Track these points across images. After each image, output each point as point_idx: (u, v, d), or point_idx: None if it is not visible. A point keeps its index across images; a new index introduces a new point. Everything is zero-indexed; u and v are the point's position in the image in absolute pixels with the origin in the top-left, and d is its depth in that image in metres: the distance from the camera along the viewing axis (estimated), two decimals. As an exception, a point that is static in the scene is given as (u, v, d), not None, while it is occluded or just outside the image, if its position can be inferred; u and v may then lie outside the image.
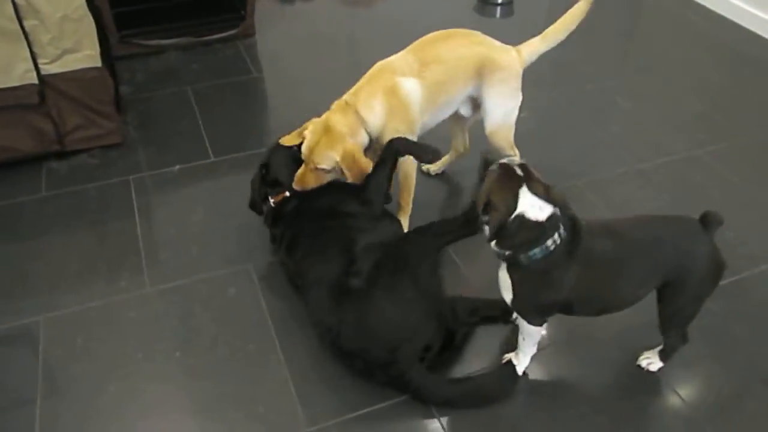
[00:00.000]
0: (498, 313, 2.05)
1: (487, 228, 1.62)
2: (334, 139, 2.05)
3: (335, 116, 2.09)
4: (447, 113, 2.35)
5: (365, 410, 1.84)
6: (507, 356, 1.93)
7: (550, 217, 1.59)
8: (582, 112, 3.17)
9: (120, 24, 3.41)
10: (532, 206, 1.58)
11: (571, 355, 2.01)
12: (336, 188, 2.15)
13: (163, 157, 2.83)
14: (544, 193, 1.60)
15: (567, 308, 1.75)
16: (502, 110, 2.34)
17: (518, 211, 1.57)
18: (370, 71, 2.20)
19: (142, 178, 2.70)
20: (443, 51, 2.22)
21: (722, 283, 1.94)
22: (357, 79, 2.22)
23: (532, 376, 1.94)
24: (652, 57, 3.71)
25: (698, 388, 1.95)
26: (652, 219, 1.82)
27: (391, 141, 2.10)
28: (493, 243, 1.65)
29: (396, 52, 2.26)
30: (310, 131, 2.10)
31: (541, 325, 1.80)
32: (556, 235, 1.60)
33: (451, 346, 1.95)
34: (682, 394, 1.91)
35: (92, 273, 2.27)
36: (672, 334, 1.85)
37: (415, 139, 2.20)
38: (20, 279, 2.25)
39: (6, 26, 2.37)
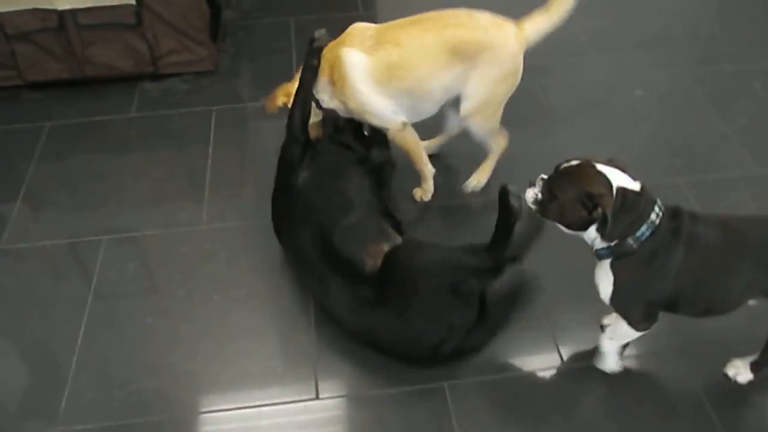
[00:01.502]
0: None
1: (592, 232, 1.53)
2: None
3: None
4: (429, 103, 2.08)
5: (377, 391, 1.79)
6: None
7: (642, 187, 1.51)
8: (708, 97, 2.77)
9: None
10: (622, 179, 1.49)
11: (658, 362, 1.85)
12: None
13: (250, 90, 2.82)
14: (617, 166, 1.53)
15: (672, 304, 1.60)
16: (483, 93, 2.04)
17: (616, 185, 1.48)
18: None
19: (225, 109, 2.72)
20: (403, 35, 1.96)
21: None
22: None
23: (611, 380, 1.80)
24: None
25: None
26: (759, 224, 1.61)
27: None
28: (597, 240, 1.54)
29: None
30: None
31: (645, 328, 1.63)
32: (656, 208, 1.51)
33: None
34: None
35: (157, 201, 2.34)
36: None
37: (390, 117, 2.05)
38: (94, 195, 2.37)
39: (106, -55, 2.41)
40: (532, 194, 1.59)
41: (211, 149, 2.53)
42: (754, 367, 1.74)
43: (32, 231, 2.26)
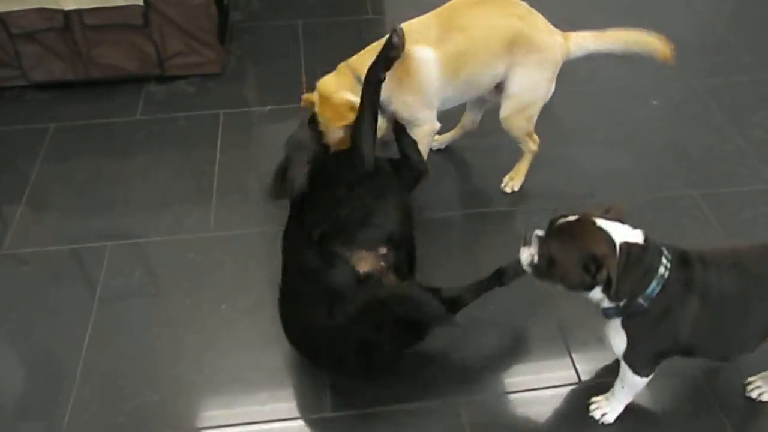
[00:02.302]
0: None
1: (597, 293, 1.42)
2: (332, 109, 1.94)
3: (327, 79, 1.99)
4: (473, 93, 2.08)
5: (391, 407, 1.74)
6: (595, 401, 1.69)
7: (646, 238, 1.41)
8: (723, 108, 2.73)
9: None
10: (624, 232, 1.38)
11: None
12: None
13: (258, 94, 2.78)
14: (615, 217, 1.42)
15: (687, 352, 1.53)
16: (527, 96, 2.05)
17: (619, 242, 1.36)
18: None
19: (232, 113, 2.67)
20: (471, 18, 1.94)
21: None
22: None
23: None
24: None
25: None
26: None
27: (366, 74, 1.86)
28: (604, 301, 1.43)
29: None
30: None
31: (650, 375, 1.56)
32: (663, 259, 1.40)
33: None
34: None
35: (164, 206, 2.29)
36: None
37: (434, 116, 2.01)
38: (99, 199, 2.32)
39: (115, -55, 2.36)
40: (527, 255, 1.47)
41: (218, 153, 2.48)
42: None
43: (36, 235, 2.21)
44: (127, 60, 2.69)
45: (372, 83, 1.86)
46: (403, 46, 1.84)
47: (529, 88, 2.03)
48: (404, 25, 1.92)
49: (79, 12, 2.52)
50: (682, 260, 1.43)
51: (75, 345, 1.88)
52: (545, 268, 1.43)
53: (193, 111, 2.68)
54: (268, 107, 2.70)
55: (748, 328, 1.48)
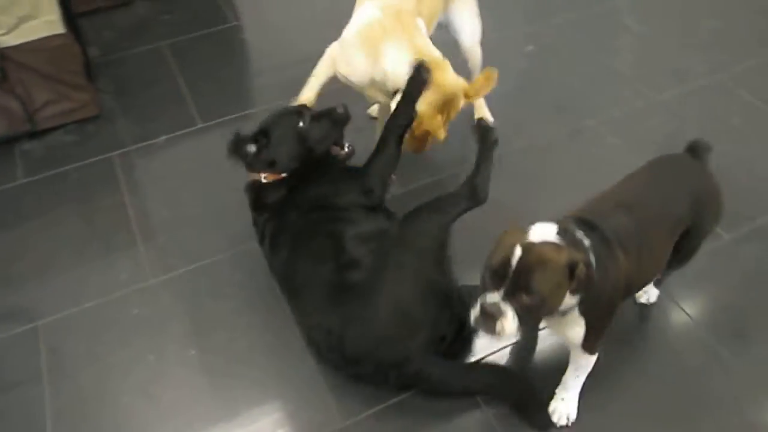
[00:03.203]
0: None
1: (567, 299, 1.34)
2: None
3: (425, 47, 1.90)
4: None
5: (401, 397, 1.72)
6: (553, 409, 1.65)
7: (562, 221, 1.40)
8: (591, 40, 2.94)
9: (77, -23, 3.08)
10: (550, 229, 1.33)
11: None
12: (334, 176, 1.93)
13: (146, 127, 2.60)
14: (523, 230, 1.34)
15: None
16: (474, 26, 2.30)
17: (558, 241, 1.31)
18: (387, 13, 1.91)
19: (126, 153, 2.48)
20: None
21: (758, 221, 2.03)
22: (343, 20, 2.00)
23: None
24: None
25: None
26: (649, 175, 1.63)
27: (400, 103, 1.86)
28: (568, 300, 1.35)
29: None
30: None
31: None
32: (580, 232, 1.37)
33: (461, 335, 1.77)
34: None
35: (86, 267, 2.09)
36: (677, 264, 1.74)
37: None
38: (9, 279, 2.07)
39: (-51, -3, 2.10)
40: (509, 326, 1.28)
41: (127, 198, 2.30)
42: (657, 284, 1.87)
43: (-54, 338, 1.94)
44: (-10, 123, 2.41)
45: (403, 119, 1.88)
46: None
47: (472, 18, 2.28)
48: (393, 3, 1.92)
49: None
50: (588, 227, 1.41)
51: (39, 436, 1.68)
52: (535, 314, 1.31)
53: (82, 161, 2.45)
54: (163, 137, 2.54)
55: (663, 244, 1.56)
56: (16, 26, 2.27)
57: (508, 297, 1.26)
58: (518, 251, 1.25)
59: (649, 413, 1.68)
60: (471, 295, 1.64)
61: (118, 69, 2.89)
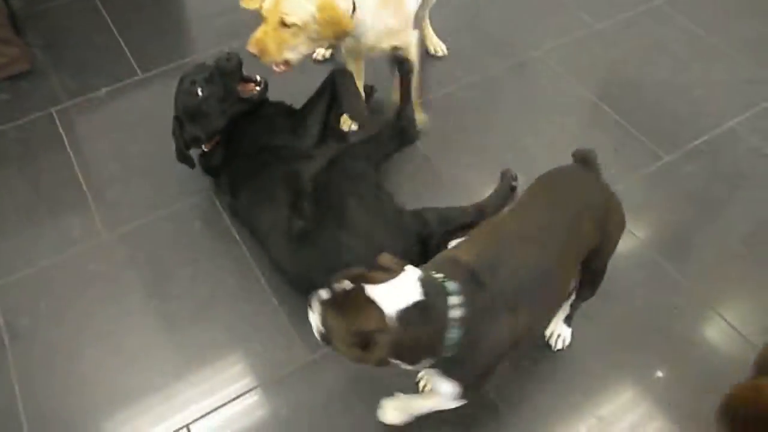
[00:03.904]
0: (469, 221, 1.88)
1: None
2: None
3: None
4: None
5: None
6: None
7: (424, 285, 1.19)
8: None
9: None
10: (392, 295, 1.16)
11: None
12: (268, 120, 1.99)
13: (84, 80, 2.51)
14: (390, 271, 1.20)
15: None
16: None
17: (387, 313, 1.15)
18: None
19: (65, 109, 2.40)
20: None
21: (695, 143, 2.07)
22: None
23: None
24: None
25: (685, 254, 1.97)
26: (547, 198, 1.46)
27: (334, 71, 1.96)
28: (416, 367, 1.26)
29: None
30: None
31: None
32: (450, 300, 1.21)
33: (426, 257, 1.80)
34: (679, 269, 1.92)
35: (36, 227, 2.05)
36: (587, 292, 1.65)
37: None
38: (-46, 246, 2.02)
39: None
40: (314, 323, 1.24)
41: (72, 154, 2.24)
42: (568, 321, 1.73)
43: None
44: None
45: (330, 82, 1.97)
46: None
47: None
48: None
49: None
50: (474, 282, 1.26)
51: (6, 396, 1.68)
52: (328, 341, 1.23)
53: (20, 119, 2.36)
54: (103, 90, 2.46)
55: (554, 284, 1.39)
56: (-69, -22, 2.13)
57: (322, 306, 1.21)
58: (350, 285, 1.17)
59: (604, 334, 1.78)
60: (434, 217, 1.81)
61: (45, 21, 2.76)
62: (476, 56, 2.55)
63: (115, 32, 2.69)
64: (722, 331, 1.79)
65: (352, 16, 1.80)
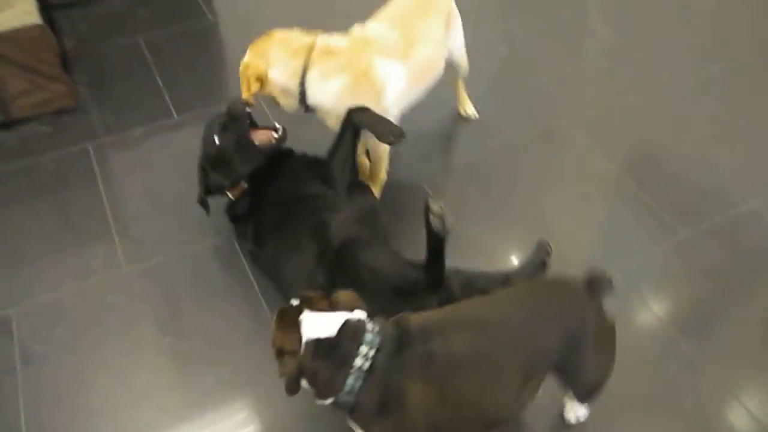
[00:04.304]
0: (496, 288, 1.80)
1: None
2: (259, 44, 1.95)
3: (288, 34, 1.95)
4: (437, 72, 2.19)
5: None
6: None
7: (345, 327, 1.29)
8: (560, 43, 3.03)
9: (54, -32, 3.07)
10: (315, 325, 1.28)
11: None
12: (295, 170, 2.00)
13: (122, 118, 2.61)
14: (330, 305, 1.33)
15: None
16: (462, 42, 2.35)
17: (305, 338, 1.27)
18: (354, 36, 1.98)
19: (101, 144, 2.49)
20: (424, 27, 2.06)
21: (716, 220, 2.05)
22: (322, 24, 2.04)
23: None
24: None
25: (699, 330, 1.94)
26: (527, 295, 1.46)
27: (350, 111, 1.91)
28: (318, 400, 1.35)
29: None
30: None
31: None
32: (361, 350, 1.28)
33: None
34: (689, 343, 1.89)
35: (60, 255, 2.10)
36: (582, 397, 1.56)
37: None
38: (-20, 268, 2.07)
39: (-74, -16, 2.09)
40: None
41: (102, 188, 2.31)
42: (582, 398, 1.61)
43: None
44: (-38, 112, 2.40)
45: (350, 124, 1.92)
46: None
47: (461, 36, 2.31)
48: (372, 34, 1.97)
49: None
50: (402, 342, 1.30)
51: (12, 421, 1.69)
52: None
53: (57, 151, 2.45)
54: (139, 129, 2.55)
55: (499, 386, 1.34)
56: (-9, 15, 2.27)
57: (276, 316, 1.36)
58: (294, 303, 1.34)
59: (618, 412, 1.72)
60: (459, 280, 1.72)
61: (93, 61, 2.89)
62: (504, 122, 2.60)
63: (156, 74, 2.81)
64: (742, 418, 1.73)
65: (298, 93, 1.92)
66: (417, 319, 1.35)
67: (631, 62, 2.91)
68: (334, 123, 1.97)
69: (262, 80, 1.92)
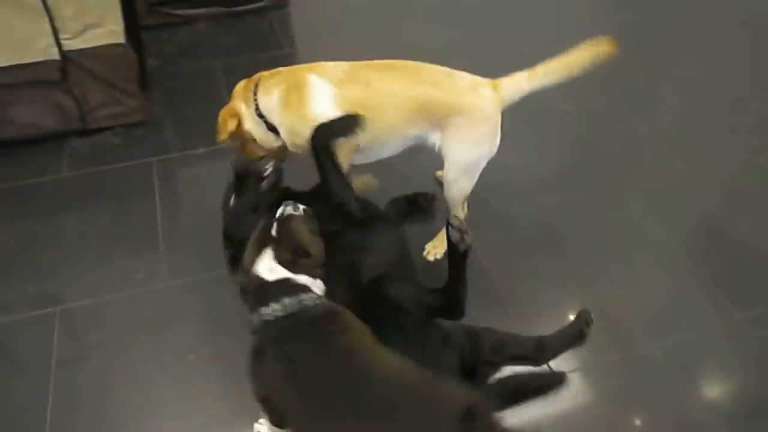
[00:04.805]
0: (528, 353, 1.79)
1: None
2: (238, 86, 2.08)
3: (240, 84, 2.09)
4: (386, 149, 2.03)
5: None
6: None
7: (279, 282, 1.50)
8: (627, 105, 2.96)
9: (148, -8, 3.29)
10: (265, 265, 1.52)
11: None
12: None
13: (188, 138, 2.73)
14: (290, 261, 1.52)
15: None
16: (462, 160, 1.96)
17: (255, 268, 1.53)
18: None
19: (165, 160, 2.61)
20: (376, 79, 1.90)
21: None
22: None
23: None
24: (702, 44, 3.45)
25: None
26: (411, 387, 1.36)
27: (311, 138, 1.82)
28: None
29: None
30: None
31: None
32: (277, 305, 1.47)
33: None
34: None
35: (109, 263, 2.20)
36: None
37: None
38: (38, 264, 2.20)
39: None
40: None
41: (158, 203, 2.41)
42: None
43: (-29, 312, 2.06)
44: (45, 117, 2.57)
45: (317, 146, 1.83)
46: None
47: (462, 149, 1.94)
48: (320, 63, 1.99)
49: (-10, 72, 2.40)
50: (306, 324, 1.48)
51: (37, 418, 1.76)
52: None
53: (124, 162, 2.59)
54: (202, 149, 2.66)
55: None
56: (82, 32, 2.43)
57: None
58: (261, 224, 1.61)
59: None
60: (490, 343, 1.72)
61: (171, 81, 3.05)
62: (560, 178, 2.55)
63: (225, 98, 2.91)
64: None
65: (258, 117, 2.02)
66: (354, 323, 1.48)
67: (701, 131, 2.80)
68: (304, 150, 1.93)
69: (235, 116, 2.05)
